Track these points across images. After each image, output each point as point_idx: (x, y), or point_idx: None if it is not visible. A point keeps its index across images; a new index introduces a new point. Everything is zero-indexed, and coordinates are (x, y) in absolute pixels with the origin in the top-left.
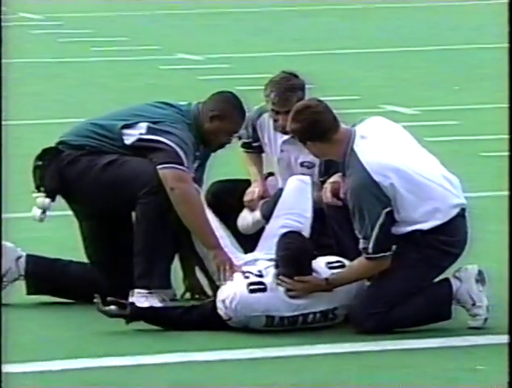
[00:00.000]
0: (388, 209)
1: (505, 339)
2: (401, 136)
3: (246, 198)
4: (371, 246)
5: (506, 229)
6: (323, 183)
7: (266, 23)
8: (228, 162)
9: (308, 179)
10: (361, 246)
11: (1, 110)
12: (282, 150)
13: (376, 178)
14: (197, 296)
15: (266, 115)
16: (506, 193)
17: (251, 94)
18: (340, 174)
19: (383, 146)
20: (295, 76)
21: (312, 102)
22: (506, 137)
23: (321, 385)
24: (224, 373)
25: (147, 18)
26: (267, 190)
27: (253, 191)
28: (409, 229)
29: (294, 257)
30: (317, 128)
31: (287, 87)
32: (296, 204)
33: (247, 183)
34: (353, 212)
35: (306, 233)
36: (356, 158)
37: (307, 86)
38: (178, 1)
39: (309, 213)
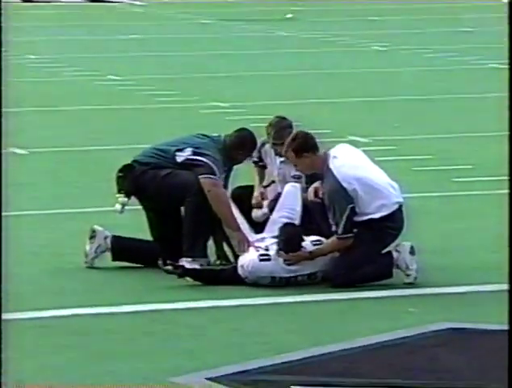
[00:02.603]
0: (352, 205)
1: (428, 290)
2: (360, 156)
3: (253, 202)
4: (340, 229)
5: (432, 218)
6: (307, 188)
7: (269, 84)
8: (244, 174)
9: (298, 185)
10: (333, 229)
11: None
12: (280, 168)
13: (344, 184)
14: (224, 262)
15: (267, 145)
16: (432, 194)
17: (259, 129)
18: (319, 181)
19: (348, 163)
20: (285, 118)
21: (302, 131)
22: (429, 157)
23: (306, 322)
24: (243, 313)
25: (192, 80)
26: (265, 193)
27: (257, 196)
28: (365, 218)
29: (290, 241)
30: (309, 142)
31: (281, 127)
32: (290, 202)
33: None
34: (328, 207)
35: (297, 221)
36: (331, 172)
37: (293, 124)
38: (211, 68)
39: (299, 208)
